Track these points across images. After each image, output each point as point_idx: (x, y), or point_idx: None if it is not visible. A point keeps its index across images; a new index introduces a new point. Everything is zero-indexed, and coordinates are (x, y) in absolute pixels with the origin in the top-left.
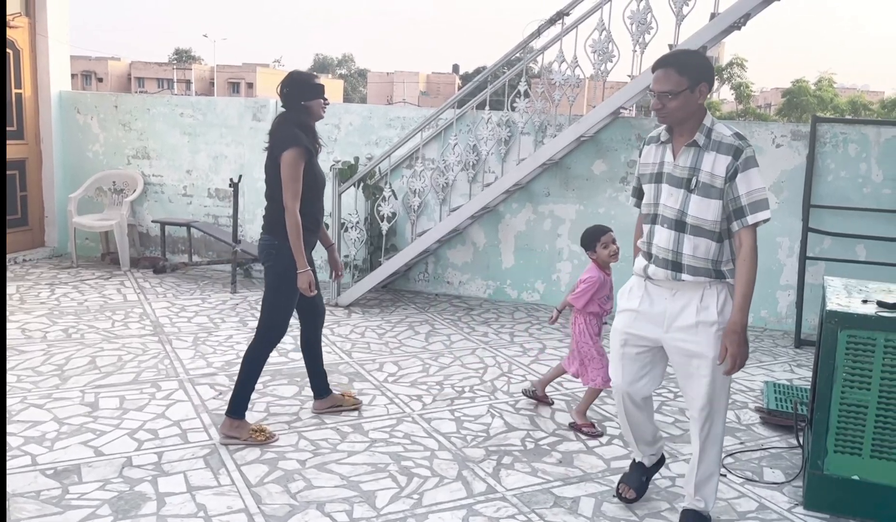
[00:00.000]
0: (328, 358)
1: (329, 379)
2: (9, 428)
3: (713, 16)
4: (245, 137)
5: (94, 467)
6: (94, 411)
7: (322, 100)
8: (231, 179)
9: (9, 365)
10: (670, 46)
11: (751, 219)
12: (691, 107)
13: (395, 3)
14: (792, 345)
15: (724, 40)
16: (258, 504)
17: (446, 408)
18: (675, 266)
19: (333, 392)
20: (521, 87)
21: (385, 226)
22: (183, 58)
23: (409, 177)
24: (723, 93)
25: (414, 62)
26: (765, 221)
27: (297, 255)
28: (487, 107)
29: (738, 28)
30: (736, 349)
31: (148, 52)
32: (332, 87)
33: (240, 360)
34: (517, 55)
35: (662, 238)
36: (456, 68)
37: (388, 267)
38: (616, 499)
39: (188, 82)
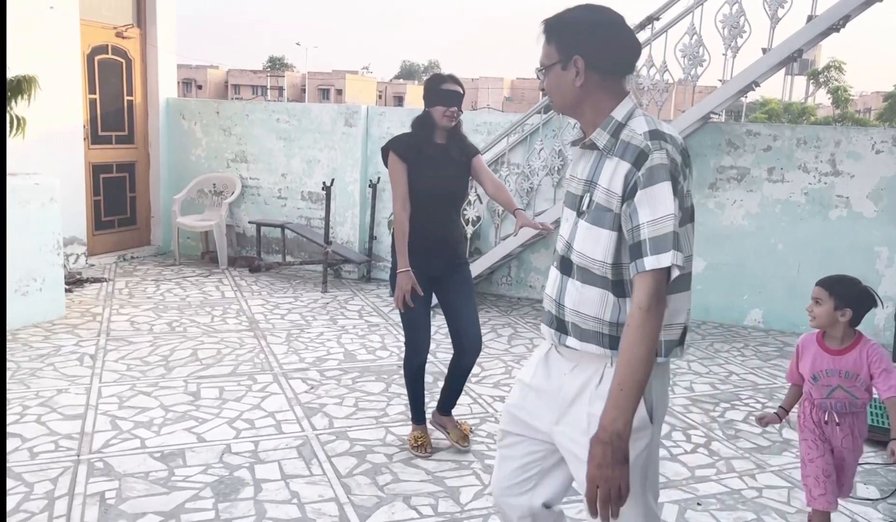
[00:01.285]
0: (391, 360)
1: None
2: (120, 413)
3: (810, 18)
4: (337, 142)
5: (197, 452)
6: (196, 400)
7: (442, 108)
8: (324, 183)
9: (119, 354)
10: (764, 50)
11: (648, 263)
12: (568, 91)
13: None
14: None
15: (820, 43)
16: (347, 494)
17: None
18: (559, 324)
19: (453, 416)
20: None
21: (469, 230)
22: (276, 65)
23: None
24: (819, 98)
25: (499, 68)
26: (675, 267)
27: (399, 256)
28: None
29: (837, 30)
30: (597, 470)
31: (244, 60)
32: (418, 93)
33: (330, 357)
34: None
35: (549, 281)
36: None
37: (472, 270)
38: (700, 507)
39: (280, 89)
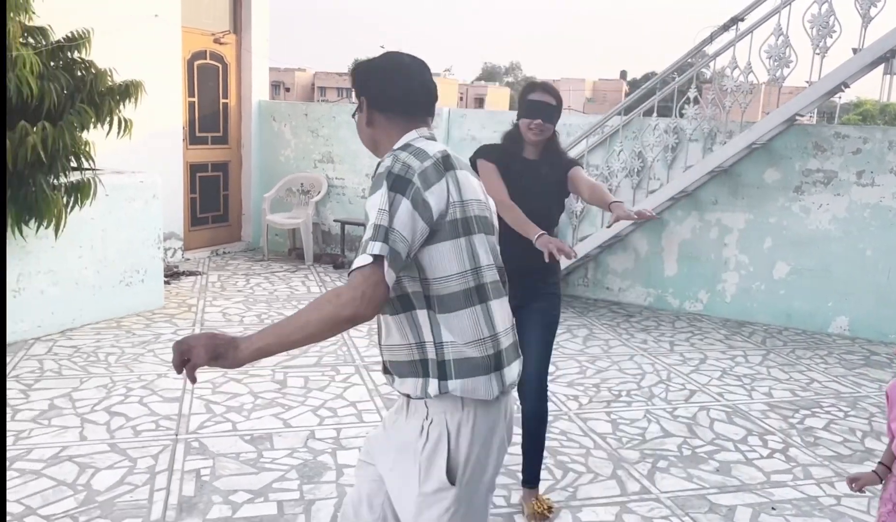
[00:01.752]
0: None
1: None
2: (213, 398)
3: None
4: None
5: (284, 436)
6: (282, 388)
7: (527, 120)
8: None
9: None
10: (854, 50)
11: (357, 261)
12: (362, 130)
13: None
14: None
15: None
16: None
17: (602, 410)
18: (384, 368)
19: (536, 489)
20: (691, 94)
21: None
22: None
23: None
24: None
25: (581, 69)
26: (378, 260)
27: (528, 227)
28: (655, 114)
29: None
30: (193, 344)
31: (330, 62)
32: (499, 96)
33: None
34: (688, 61)
35: None
36: (624, 74)
37: None
38: (774, 511)
39: None
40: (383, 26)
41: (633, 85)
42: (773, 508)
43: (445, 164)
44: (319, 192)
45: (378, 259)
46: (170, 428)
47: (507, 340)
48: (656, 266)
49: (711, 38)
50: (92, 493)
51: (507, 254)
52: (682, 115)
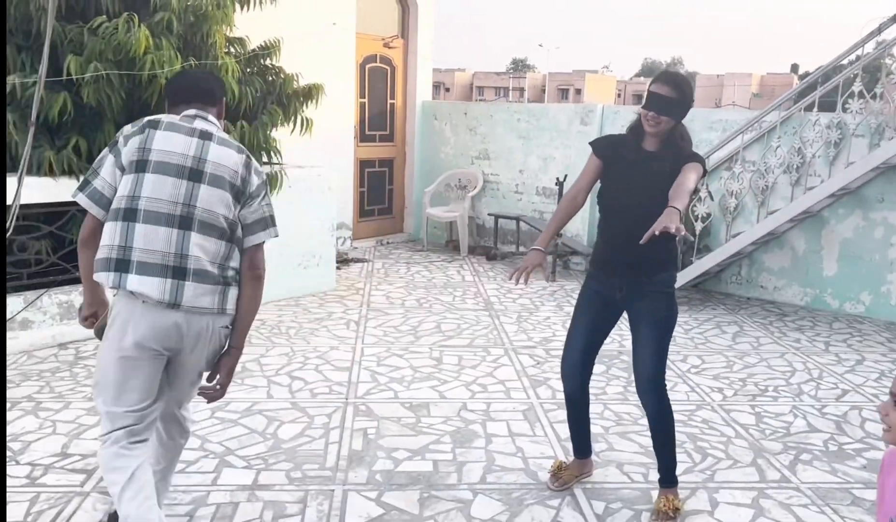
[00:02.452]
0: (613, 346)
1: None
2: (378, 369)
3: None
4: (572, 140)
5: (439, 406)
6: (438, 364)
7: (644, 111)
8: (557, 178)
9: (377, 322)
10: None
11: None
12: None
13: (727, 2)
14: None
15: None
16: (566, 455)
17: (747, 403)
18: None
19: (671, 487)
20: (856, 88)
21: (699, 226)
22: (519, 67)
23: (727, 179)
24: None
25: (748, 63)
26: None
27: (542, 233)
28: (815, 109)
29: None
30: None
31: (488, 62)
32: None
33: (555, 339)
34: (855, 55)
35: None
36: (795, 68)
37: (699, 266)
38: None
39: (521, 90)
40: (541, 26)
41: (805, 79)
42: None
43: (149, 125)
44: (476, 187)
45: (82, 199)
46: (341, 392)
47: (144, 257)
48: (814, 265)
49: (880, 30)
50: (278, 441)
51: (619, 239)
52: (845, 110)
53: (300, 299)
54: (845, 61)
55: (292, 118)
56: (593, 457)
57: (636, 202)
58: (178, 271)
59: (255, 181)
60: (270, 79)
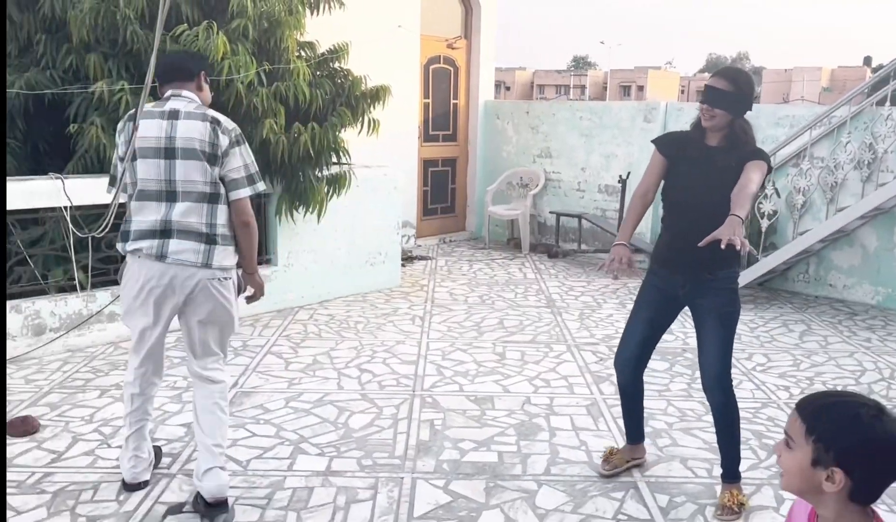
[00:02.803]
0: (677, 343)
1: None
2: (443, 363)
3: None
4: (635, 138)
5: (503, 399)
6: (502, 359)
7: (700, 104)
8: (620, 176)
9: (441, 318)
10: None
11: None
12: None
13: None
14: None
15: None
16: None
17: None
18: None
19: (734, 482)
20: None
21: (765, 224)
22: (580, 64)
23: (794, 176)
24: None
25: (818, 56)
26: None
27: (620, 230)
28: (888, 103)
29: None
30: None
31: (549, 61)
32: None
33: (618, 336)
34: None
35: None
36: (868, 60)
37: (765, 264)
38: None
39: (583, 87)
40: (603, 23)
41: (878, 72)
42: None
43: (128, 119)
44: (537, 186)
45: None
46: (408, 385)
47: (142, 226)
48: (887, 263)
49: None
50: (349, 430)
51: (680, 234)
52: None
53: (367, 295)
54: None
55: (360, 119)
56: (657, 452)
57: (700, 199)
58: (164, 233)
59: (223, 141)
60: (339, 81)
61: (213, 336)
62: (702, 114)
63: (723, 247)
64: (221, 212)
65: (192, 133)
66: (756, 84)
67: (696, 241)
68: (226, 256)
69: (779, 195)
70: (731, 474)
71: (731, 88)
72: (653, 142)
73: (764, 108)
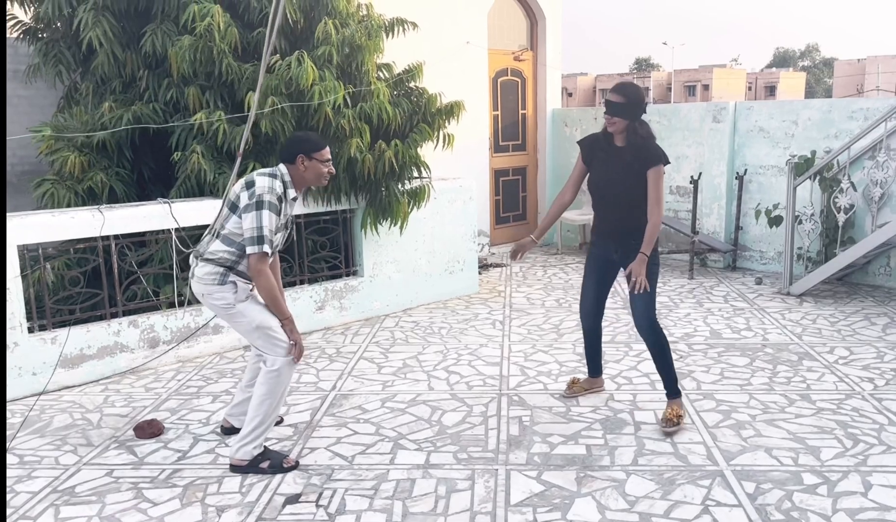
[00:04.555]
0: (778, 337)
1: (778, 356)
2: (526, 364)
3: None
4: (705, 138)
5: (587, 397)
6: (582, 359)
7: (604, 114)
8: (691, 177)
9: (521, 322)
10: None
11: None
12: None
13: None
14: None
15: None
16: (714, 440)
17: None
18: None
19: (673, 399)
20: None
21: (841, 218)
22: (643, 66)
23: (871, 168)
24: None
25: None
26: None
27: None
28: None
29: None
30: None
31: (611, 64)
32: (793, 82)
33: (696, 334)
34: None
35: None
36: None
37: (843, 258)
38: None
39: (647, 89)
40: (665, 23)
41: None
42: None
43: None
44: None
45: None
46: (494, 385)
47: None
48: None
49: None
50: (443, 427)
51: (602, 216)
52: None
53: (447, 302)
54: None
55: (437, 134)
56: (741, 442)
57: (614, 188)
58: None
59: (244, 198)
60: (415, 99)
61: (242, 335)
62: (606, 122)
63: (636, 292)
64: (217, 243)
65: (234, 189)
66: (827, 76)
67: (616, 220)
68: (200, 271)
69: (855, 188)
70: (672, 391)
71: (623, 100)
72: (578, 143)
73: (836, 103)
